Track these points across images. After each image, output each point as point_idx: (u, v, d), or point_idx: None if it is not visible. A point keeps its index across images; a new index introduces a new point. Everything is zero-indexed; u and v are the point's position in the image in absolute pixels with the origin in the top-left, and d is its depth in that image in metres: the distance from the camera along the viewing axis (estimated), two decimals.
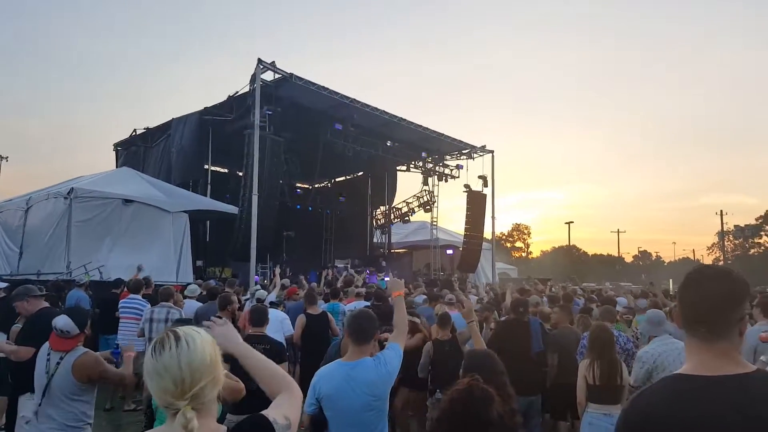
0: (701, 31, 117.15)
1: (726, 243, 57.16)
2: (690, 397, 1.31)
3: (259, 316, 4.61)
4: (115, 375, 3.51)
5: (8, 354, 4.31)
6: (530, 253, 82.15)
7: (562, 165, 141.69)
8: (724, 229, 51.93)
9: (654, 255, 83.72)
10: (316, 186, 25.79)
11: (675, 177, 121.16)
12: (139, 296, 7.41)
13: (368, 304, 7.73)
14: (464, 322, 6.40)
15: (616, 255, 65.60)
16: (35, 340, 3.89)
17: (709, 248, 65.17)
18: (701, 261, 61.88)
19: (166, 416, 1.45)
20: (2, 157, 37.52)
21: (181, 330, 1.49)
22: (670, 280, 34.77)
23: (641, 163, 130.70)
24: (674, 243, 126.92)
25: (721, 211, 48.78)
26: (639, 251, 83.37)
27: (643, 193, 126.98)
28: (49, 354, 3.41)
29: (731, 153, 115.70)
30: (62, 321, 3.41)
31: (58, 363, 3.34)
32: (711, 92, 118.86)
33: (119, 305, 7.33)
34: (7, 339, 5.04)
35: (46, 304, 4.75)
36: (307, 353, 6.30)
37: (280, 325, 6.46)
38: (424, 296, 9.20)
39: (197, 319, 6.59)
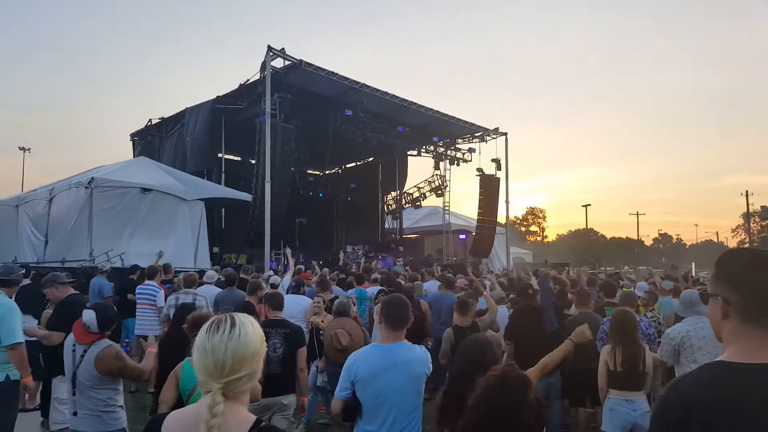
0: (723, 6, 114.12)
1: (751, 225, 55.65)
2: (735, 383, 1.24)
3: (276, 301, 4.74)
4: (134, 370, 3.59)
5: (41, 338, 4.55)
6: (545, 237, 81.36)
7: (577, 146, 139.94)
8: (750, 211, 50.01)
9: (675, 238, 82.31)
10: (327, 172, 25.90)
11: (696, 157, 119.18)
12: (154, 282, 7.58)
13: (383, 289, 7.84)
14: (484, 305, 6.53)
15: (635, 238, 64.28)
16: (66, 325, 4.11)
17: (733, 230, 63.75)
18: (725, 244, 60.65)
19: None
20: (25, 149, 38.31)
21: (239, 318, 1.54)
22: (692, 264, 33.99)
23: (661, 143, 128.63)
24: (696, 225, 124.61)
25: (747, 191, 47.00)
26: (659, 234, 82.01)
27: (663, 174, 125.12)
28: (74, 346, 3.54)
29: (756, 131, 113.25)
30: (87, 316, 3.52)
31: (82, 355, 3.48)
32: (733, 68, 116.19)
33: (135, 291, 7.54)
34: (39, 324, 5.32)
35: (74, 291, 5.00)
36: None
37: (302, 314, 6.43)
38: (437, 282, 9.22)
39: (217, 305, 6.81)
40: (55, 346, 4.20)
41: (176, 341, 3.62)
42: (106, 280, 8.44)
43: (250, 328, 1.54)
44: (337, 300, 5.87)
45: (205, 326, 1.53)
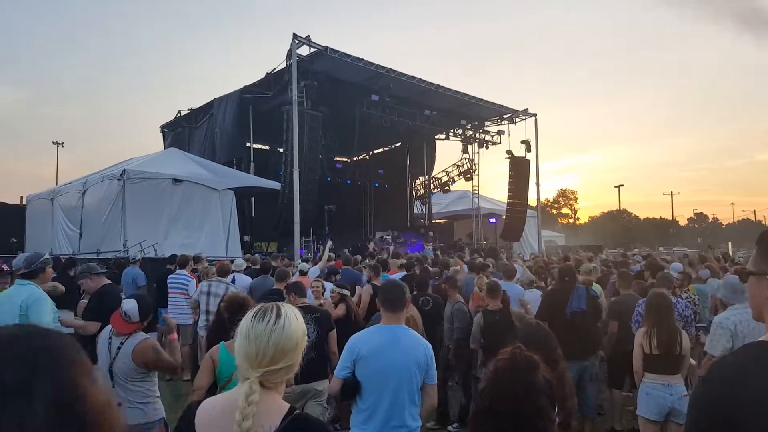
0: None
1: None
2: None
3: (300, 288, 4.88)
4: (169, 364, 3.62)
5: (78, 329, 4.61)
6: (578, 219, 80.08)
7: (609, 125, 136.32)
8: None
9: (711, 217, 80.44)
10: (355, 159, 25.90)
11: (731, 133, 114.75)
12: (185, 272, 7.71)
13: (405, 274, 7.80)
14: (516, 291, 6.41)
15: (670, 218, 63.01)
16: (100, 315, 4.17)
17: None
18: (763, 222, 58.81)
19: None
20: (58, 144, 39.49)
21: (285, 309, 1.55)
22: (729, 243, 33.18)
23: (694, 120, 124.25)
24: (732, 204, 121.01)
25: None
26: (694, 213, 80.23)
27: (697, 152, 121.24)
28: (110, 338, 3.56)
29: None
30: (129, 305, 3.55)
31: (118, 348, 3.49)
32: (762, 43, 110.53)
33: (168, 281, 7.66)
34: (75, 314, 5.42)
35: (108, 281, 5.06)
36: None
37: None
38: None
39: (251, 292, 6.85)
40: (90, 336, 4.26)
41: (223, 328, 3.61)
42: (139, 270, 8.59)
43: (295, 320, 1.55)
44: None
45: (250, 313, 1.54)
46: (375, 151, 26.63)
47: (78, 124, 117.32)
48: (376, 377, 2.87)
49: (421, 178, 26.03)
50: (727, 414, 1.18)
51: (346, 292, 5.94)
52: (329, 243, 9.95)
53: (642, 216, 75.70)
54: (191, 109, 20.07)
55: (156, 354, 3.52)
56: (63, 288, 5.54)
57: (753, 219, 62.02)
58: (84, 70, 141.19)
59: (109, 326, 3.65)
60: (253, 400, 1.42)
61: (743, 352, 1.32)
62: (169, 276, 7.73)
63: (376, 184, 25.34)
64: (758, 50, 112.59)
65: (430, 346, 3.04)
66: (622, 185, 49.01)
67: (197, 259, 8.48)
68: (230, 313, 3.40)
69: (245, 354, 1.48)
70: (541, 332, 2.75)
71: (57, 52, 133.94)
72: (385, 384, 2.86)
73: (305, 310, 4.47)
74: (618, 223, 63.82)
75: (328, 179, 20.73)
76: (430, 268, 8.35)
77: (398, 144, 25.41)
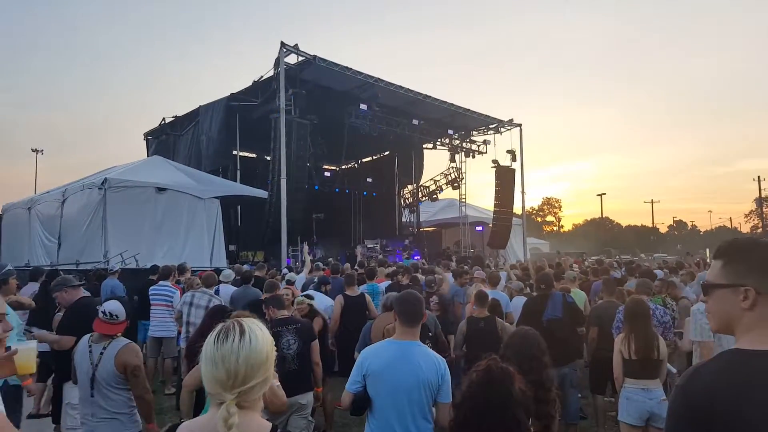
0: None
1: (764, 209, 55.01)
2: (760, 370, 1.23)
3: (279, 301, 4.73)
4: (145, 380, 3.51)
5: (52, 343, 4.43)
6: (562, 226, 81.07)
7: (592, 135, 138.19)
8: (762, 195, 49.89)
9: (690, 224, 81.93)
10: (343, 167, 25.80)
11: (708, 143, 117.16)
12: (168, 283, 7.48)
13: (390, 283, 7.74)
14: (504, 300, 6.39)
15: (651, 226, 64.32)
16: (76, 329, 4.00)
17: (746, 216, 63.48)
18: (738, 229, 60.16)
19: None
20: (38, 151, 38.86)
21: (247, 324, 1.48)
22: (707, 249, 33.94)
23: (674, 130, 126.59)
24: (710, 211, 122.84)
25: (759, 176, 47.45)
26: (674, 221, 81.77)
27: (676, 161, 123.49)
28: (90, 346, 3.45)
29: (766, 115, 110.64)
30: (113, 305, 3.50)
31: (101, 353, 3.40)
32: (744, 52, 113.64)
33: (149, 292, 7.42)
34: (51, 328, 5.20)
35: (86, 294, 4.86)
36: (345, 333, 6.30)
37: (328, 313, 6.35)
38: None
39: (233, 303, 6.66)
40: (66, 351, 4.08)
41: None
42: (118, 281, 8.34)
43: (260, 332, 1.48)
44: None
45: (212, 336, 1.44)
46: (363, 160, 26.63)
47: (59, 131, 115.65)
48: (387, 395, 2.80)
49: (410, 187, 26.08)
50: (703, 421, 1.22)
51: (314, 302, 5.81)
52: (305, 248, 9.76)
53: (624, 223, 76.88)
54: (176, 117, 19.80)
55: (138, 359, 3.45)
56: (32, 302, 5.34)
57: (729, 226, 63.48)
58: (66, 76, 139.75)
59: (87, 336, 3.54)
60: (233, 423, 1.35)
61: (719, 360, 1.34)
62: (151, 287, 7.50)
63: (365, 193, 25.28)
64: (733, 62, 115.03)
65: (444, 362, 2.92)
66: (605, 193, 49.94)
67: (182, 270, 8.26)
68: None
69: (215, 378, 1.39)
70: (532, 337, 2.80)
71: (38, 57, 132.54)
72: (394, 402, 2.78)
73: (286, 321, 4.44)
74: (600, 231, 64.88)
75: (317, 187, 20.60)
76: (420, 276, 8.24)
77: (387, 153, 25.44)
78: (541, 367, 2.59)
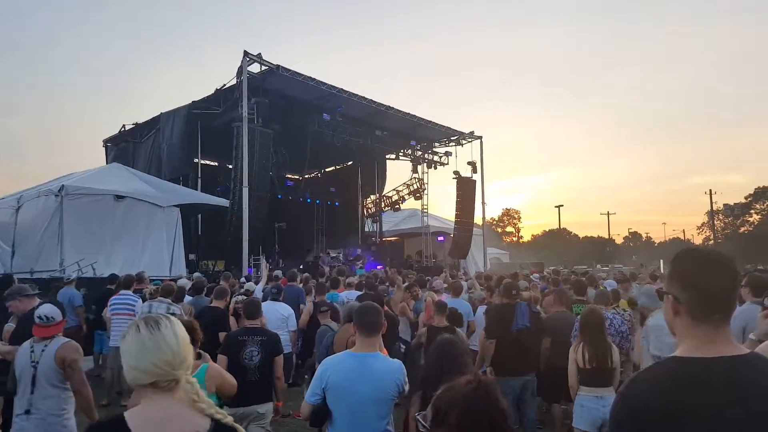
0: (686, 9, 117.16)
1: (716, 222, 57.64)
2: (692, 378, 1.28)
3: (253, 309, 4.65)
4: (81, 377, 3.51)
5: (4, 354, 4.36)
6: (521, 237, 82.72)
7: (550, 148, 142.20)
8: (714, 209, 52.29)
9: (644, 236, 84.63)
10: (306, 177, 25.76)
11: (663, 158, 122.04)
12: (130, 292, 7.40)
13: (360, 293, 7.81)
14: (466, 309, 6.54)
15: (607, 237, 65.94)
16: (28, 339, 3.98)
17: (698, 228, 65.85)
18: (691, 241, 62.62)
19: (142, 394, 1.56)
20: None
21: (154, 316, 1.65)
22: (661, 261, 35.16)
23: (629, 145, 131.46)
24: (664, 223, 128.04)
25: (710, 190, 49.21)
26: (629, 233, 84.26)
27: (632, 174, 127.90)
28: (32, 346, 3.50)
29: (719, 132, 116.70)
30: (47, 308, 3.54)
31: (42, 350, 3.46)
32: (697, 71, 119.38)
33: (110, 302, 7.29)
34: (0, 339, 5.11)
35: (40, 302, 4.81)
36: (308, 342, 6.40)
37: (284, 323, 6.43)
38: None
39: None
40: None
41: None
42: (75, 290, 8.20)
43: (174, 318, 1.66)
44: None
45: (140, 328, 1.57)
46: (327, 170, 26.62)
47: (14, 136, 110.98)
48: (346, 408, 2.80)
49: (372, 197, 26.21)
50: (643, 427, 1.26)
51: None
52: (263, 262, 9.84)
53: (581, 235, 78.81)
54: (136, 124, 19.41)
55: (77, 354, 3.54)
56: None
57: (682, 238, 65.83)
58: (23, 81, 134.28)
59: (28, 341, 3.60)
60: (198, 389, 1.55)
61: (658, 367, 1.41)
62: (113, 297, 7.38)
63: (328, 202, 25.29)
64: (685, 79, 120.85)
65: (402, 369, 2.95)
66: (562, 205, 51.23)
67: (140, 279, 8.18)
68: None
69: (164, 361, 1.52)
70: (457, 342, 2.97)
71: None
72: (353, 415, 2.79)
73: (252, 332, 4.39)
74: (558, 242, 66.31)
75: (279, 196, 20.53)
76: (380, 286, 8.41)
77: (350, 162, 25.52)
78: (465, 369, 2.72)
